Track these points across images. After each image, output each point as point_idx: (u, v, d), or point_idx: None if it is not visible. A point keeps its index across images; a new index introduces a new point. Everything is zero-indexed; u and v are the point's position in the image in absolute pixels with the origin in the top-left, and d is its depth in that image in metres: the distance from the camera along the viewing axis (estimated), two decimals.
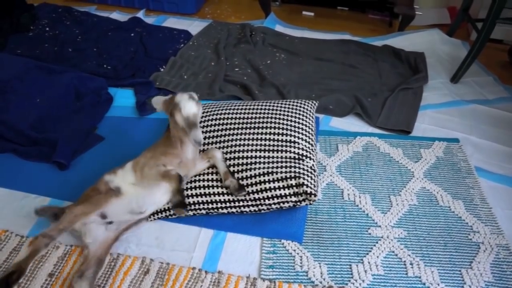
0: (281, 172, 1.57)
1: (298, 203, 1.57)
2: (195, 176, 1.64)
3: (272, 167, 1.60)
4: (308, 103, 1.98)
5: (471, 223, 1.65)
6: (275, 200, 1.56)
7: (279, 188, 1.54)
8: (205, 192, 1.59)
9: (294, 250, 1.53)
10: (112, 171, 1.58)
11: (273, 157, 1.64)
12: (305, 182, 1.53)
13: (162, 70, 2.52)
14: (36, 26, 2.91)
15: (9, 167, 1.85)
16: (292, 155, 1.65)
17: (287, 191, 1.54)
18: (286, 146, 1.69)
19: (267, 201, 1.57)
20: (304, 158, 1.65)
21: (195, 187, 1.60)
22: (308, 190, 1.52)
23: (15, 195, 1.72)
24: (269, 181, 1.55)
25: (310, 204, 1.57)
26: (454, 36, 2.99)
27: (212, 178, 1.61)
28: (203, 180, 1.62)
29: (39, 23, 2.94)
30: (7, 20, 2.80)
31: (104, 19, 3.07)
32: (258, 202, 1.58)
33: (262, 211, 1.61)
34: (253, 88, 2.31)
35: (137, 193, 1.50)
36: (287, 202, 1.56)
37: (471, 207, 1.72)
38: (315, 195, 1.53)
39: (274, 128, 1.76)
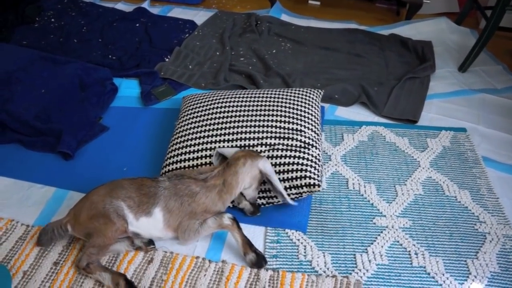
0: (285, 164, 1.56)
1: (300, 195, 1.56)
2: (195, 161, 1.63)
3: (277, 156, 1.59)
4: (314, 92, 1.96)
5: (477, 213, 1.63)
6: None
7: (282, 180, 1.54)
8: None
9: (298, 240, 1.52)
10: (131, 209, 1.41)
11: (279, 144, 1.63)
12: (308, 174, 1.53)
13: (167, 60, 2.51)
14: (41, 17, 2.91)
15: (15, 158, 1.86)
16: (298, 143, 1.64)
17: (289, 184, 1.54)
18: (292, 134, 1.67)
19: (268, 193, 1.57)
20: (309, 147, 1.64)
21: None
22: (312, 181, 1.51)
23: (21, 185, 1.73)
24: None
25: (312, 193, 1.57)
26: (463, 24, 2.94)
27: None
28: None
29: (44, 14, 2.94)
30: (13, 12, 2.81)
31: (109, 10, 3.06)
32: (263, 195, 1.58)
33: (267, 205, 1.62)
34: (258, 78, 2.30)
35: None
36: (288, 195, 1.56)
37: (478, 197, 1.70)
38: (318, 185, 1.52)
39: (280, 116, 1.74)
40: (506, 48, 2.78)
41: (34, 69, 2.18)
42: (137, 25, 2.88)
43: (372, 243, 1.52)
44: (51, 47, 2.58)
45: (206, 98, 1.89)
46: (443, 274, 1.42)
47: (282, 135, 1.66)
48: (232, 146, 1.63)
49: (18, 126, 1.92)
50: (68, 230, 1.42)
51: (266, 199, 1.60)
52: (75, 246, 1.48)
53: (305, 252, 1.48)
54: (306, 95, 1.90)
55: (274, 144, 1.62)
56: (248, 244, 1.43)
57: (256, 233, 1.54)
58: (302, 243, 1.51)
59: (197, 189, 1.42)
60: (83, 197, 1.46)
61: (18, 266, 1.42)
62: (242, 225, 1.53)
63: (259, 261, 1.42)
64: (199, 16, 3.07)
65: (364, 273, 1.42)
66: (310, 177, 1.53)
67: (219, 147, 1.63)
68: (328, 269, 1.43)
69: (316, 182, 1.52)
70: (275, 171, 1.53)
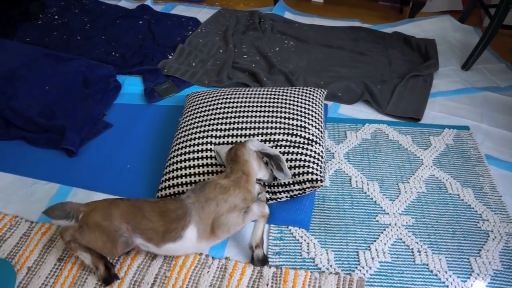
0: (288, 160, 1.56)
1: (303, 191, 1.57)
2: (201, 161, 1.64)
3: (281, 152, 1.59)
4: (317, 91, 1.96)
5: (480, 211, 1.64)
6: (281, 189, 1.58)
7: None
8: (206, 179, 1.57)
9: (301, 237, 1.53)
10: (150, 241, 1.33)
11: (282, 140, 1.63)
12: (310, 170, 1.53)
13: (170, 57, 2.51)
14: (45, 14, 2.91)
15: (19, 154, 1.86)
16: (302, 139, 1.64)
17: (292, 179, 1.55)
18: (296, 130, 1.67)
19: (272, 189, 1.58)
20: (313, 143, 1.64)
21: (203, 173, 1.60)
22: (314, 177, 1.52)
23: (25, 181, 1.73)
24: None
25: (315, 189, 1.57)
26: (466, 22, 2.93)
27: (218, 166, 1.61)
28: (204, 166, 1.61)
29: (48, 11, 2.95)
30: (16, 9, 2.81)
31: (112, 7, 3.06)
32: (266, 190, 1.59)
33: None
34: (261, 75, 2.30)
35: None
36: (292, 191, 1.57)
37: (481, 195, 1.70)
38: (321, 181, 1.52)
39: (284, 112, 1.74)
40: (509, 46, 2.77)
41: (38, 66, 2.18)
42: (140, 22, 2.88)
43: (375, 241, 1.52)
44: (54, 44, 2.58)
45: (210, 95, 1.89)
46: (446, 272, 1.43)
47: (286, 131, 1.66)
48: (236, 142, 1.63)
49: (22, 123, 1.92)
50: (77, 220, 1.34)
51: (270, 194, 1.60)
52: None
53: (308, 249, 1.49)
54: (310, 94, 1.90)
55: (278, 140, 1.62)
56: (262, 239, 1.43)
57: None
58: (305, 240, 1.52)
59: (228, 183, 1.38)
60: (104, 202, 1.37)
61: (22, 262, 1.43)
62: None
63: (264, 259, 1.42)
64: (202, 13, 3.07)
65: (367, 271, 1.43)
66: (312, 173, 1.53)
67: (224, 142, 1.64)
68: (331, 266, 1.44)
69: (319, 178, 1.52)
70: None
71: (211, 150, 1.63)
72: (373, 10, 3.31)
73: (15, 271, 1.39)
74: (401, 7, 3.32)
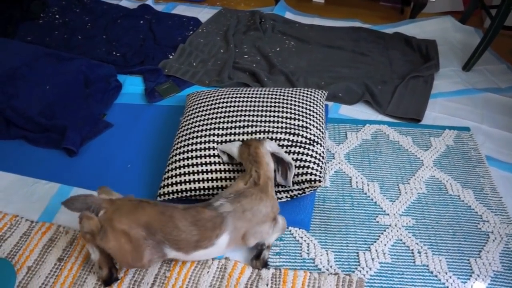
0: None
1: (303, 191, 1.57)
2: (203, 159, 1.63)
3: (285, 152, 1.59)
4: (318, 92, 1.96)
5: (480, 212, 1.63)
6: (281, 189, 1.58)
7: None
8: (212, 178, 1.58)
9: (301, 238, 1.53)
10: (180, 250, 1.30)
11: (284, 139, 1.63)
12: (310, 171, 1.53)
13: (171, 57, 2.51)
14: (46, 13, 2.91)
15: (20, 154, 1.86)
16: (303, 139, 1.64)
17: (292, 180, 1.54)
18: (297, 129, 1.67)
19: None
20: (314, 144, 1.64)
21: (207, 171, 1.59)
22: (313, 177, 1.52)
23: (26, 181, 1.73)
24: None
25: (314, 189, 1.57)
26: (467, 23, 2.93)
27: (220, 164, 1.61)
28: (206, 164, 1.61)
29: (49, 10, 2.95)
30: (17, 8, 2.81)
31: (113, 7, 3.06)
32: None
33: None
34: (262, 76, 2.30)
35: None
36: (291, 191, 1.57)
37: (481, 196, 1.70)
38: (319, 181, 1.53)
39: (286, 112, 1.74)
40: (510, 47, 2.77)
41: (39, 65, 2.18)
42: (141, 22, 2.88)
43: (375, 242, 1.52)
44: (55, 43, 2.58)
45: (211, 94, 1.89)
46: (446, 273, 1.43)
47: (287, 130, 1.66)
48: (238, 140, 1.63)
49: (22, 122, 1.92)
50: (97, 215, 1.28)
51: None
52: (78, 242, 1.49)
53: (308, 250, 1.49)
54: (311, 95, 1.90)
55: (280, 139, 1.62)
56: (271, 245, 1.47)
57: None
58: (305, 241, 1.52)
59: (261, 194, 1.36)
60: (129, 204, 1.30)
61: (22, 262, 1.43)
62: None
63: (266, 262, 1.43)
64: (203, 13, 3.07)
65: (367, 271, 1.43)
66: (312, 173, 1.53)
67: (226, 140, 1.64)
68: (331, 267, 1.44)
69: (318, 178, 1.52)
70: None
71: (213, 148, 1.63)
72: (374, 10, 3.31)
73: (15, 270, 1.39)
74: (402, 7, 3.32)
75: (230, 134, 1.67)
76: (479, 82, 2.39)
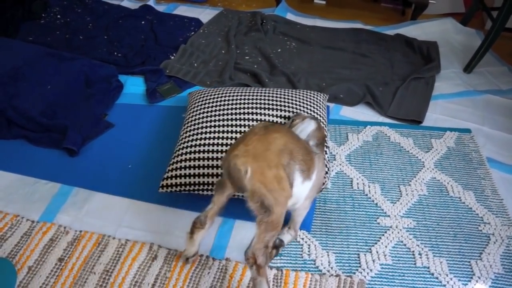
0: None
1: None
2: (204, 154, 1.63)
3: None
4: (320, 94, 1.96)
5: (481, 214, 1.63)
6: None
7: None
8: (212, 173, 1.57)
9: (302, 239, 1.53)
10: (302, 173, 1.20)
11: None
12: None
13: (172, 57, 2.51)
14: (47, 13, 2.92)
15: (21, 153, 1.86)
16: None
17: None
18: None
19: None
20: None
21: (206, 166, 1.59)
22: None
23: (26, 180, 1.73)
24: None
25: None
26: (468, 25, 2.93)
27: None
28: (212, 159, 1.60)
29: (50, 10, 2.95)
30: (19, 8, 2.81)
31: (115, 7, 3.06)
32: None
33: None
34: (263, 77, 2.30)
35: None
36: None
37: (482, 198, 1.70)
38: (323, 183, 1.52)
39: (288, 112, 1.75)
40: (511, 49, 2.77)
41: (40, 65, 2.18)
42: (143, 22, 2.88)
43: (376, 243, 1.52)
44: (56, 43, 2.58)
45: (213, 92, 1.89)
46: (447, 275, 1.43)
47: None
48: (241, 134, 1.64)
49: (24, 122, 1.92)
50: (246, 175, 1.08)
51: None
52: (79, 242, 1.48)
53: (309, 251, 1.48)
54: (312, 96, 1.90)
55: None
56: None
57: None
58: (306, 242, 1.52)
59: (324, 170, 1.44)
60: (258, 137, 1.16)
61: (23, 262, 1.42)
62: (247, 223, 1.54)
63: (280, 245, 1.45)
64: (205, 14, 3.07)
65: (368, 273, 1.43)
66: None
67: (232, 137, 1.65)
68: (332, 268, 1.44)
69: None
70: None
71: (220, 144, 1.63)
72: (375, 12, 3.31)
73: (15, 270, 1.39)
74: (403, 9, 3.32)
75: (234, 130, 1.67)
76: (480, 84, 2.39)
